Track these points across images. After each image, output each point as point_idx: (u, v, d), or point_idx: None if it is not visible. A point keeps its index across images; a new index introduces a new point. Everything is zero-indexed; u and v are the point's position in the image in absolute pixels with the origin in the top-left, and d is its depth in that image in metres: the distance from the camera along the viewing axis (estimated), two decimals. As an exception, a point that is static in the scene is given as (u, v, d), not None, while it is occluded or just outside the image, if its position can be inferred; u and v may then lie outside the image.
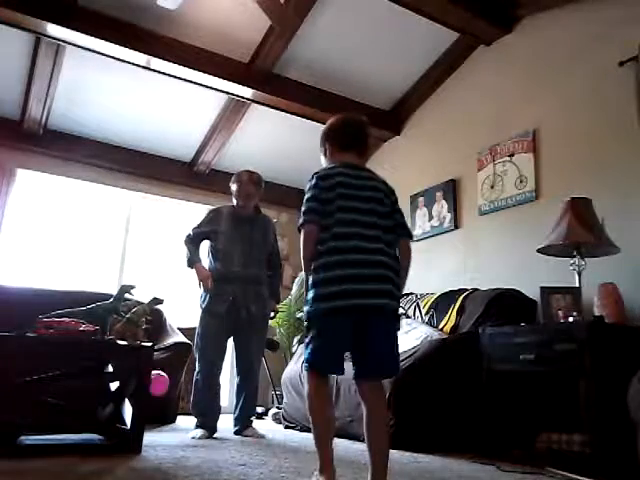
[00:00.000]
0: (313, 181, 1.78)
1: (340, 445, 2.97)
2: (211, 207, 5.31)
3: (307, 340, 1.74)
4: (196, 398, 3.30)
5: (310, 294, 1.71)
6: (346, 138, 1.89)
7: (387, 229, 1.77)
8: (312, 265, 1.72)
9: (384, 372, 1.76)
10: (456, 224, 4.26)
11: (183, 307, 4.91)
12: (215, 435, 3.22)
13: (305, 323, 1.76)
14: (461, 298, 3.60)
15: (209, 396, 3.29)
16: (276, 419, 4.23)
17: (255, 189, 3.47)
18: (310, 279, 1.72)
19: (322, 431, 1.72)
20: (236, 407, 3.40)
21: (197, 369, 3.30)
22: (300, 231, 1.75)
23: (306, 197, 1.78)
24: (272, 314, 3.64)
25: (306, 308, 1.73)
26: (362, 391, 1.75)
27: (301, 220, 1.75)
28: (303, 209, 1.76)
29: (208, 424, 3.22)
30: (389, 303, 1.70)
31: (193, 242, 3.41)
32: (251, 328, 3.32)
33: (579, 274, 2.89)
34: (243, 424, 3.34)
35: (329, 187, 1.75)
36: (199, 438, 3.09)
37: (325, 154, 1.94)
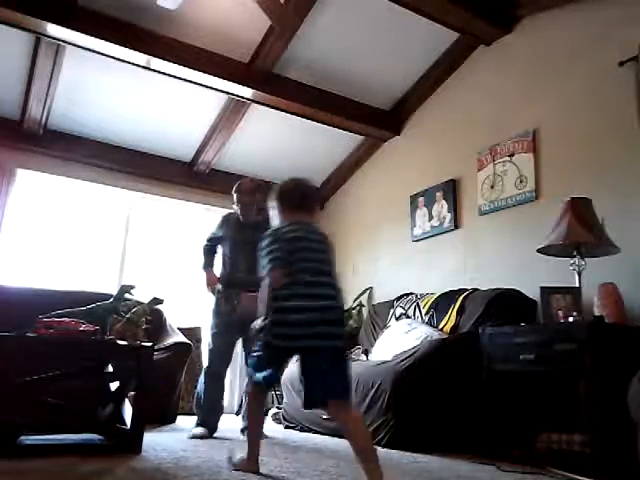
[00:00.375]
0: (272, 236, 2.06)
1: (341, 445, 2.97)
2: (210, 207, 5.42)
3: (256, 354, 2.08)
4: (200, 395, 3.33)
5: (269, 328, 1.97)
6: (297, 200, 2.19)
7: (334, 273, 2.10)
8: (272, 306, 1.97)
9: (335, 397, 1.96)
10: (456, 224, 4.26)
11: (183, 307, 4.92)
12: (215, 435, 3.22)
13: (260, 343, 2.04)
14: (461, 298, 3.60)
15: (214, 394, 3.33)
16: (276, 419, 4.23)
17: (252, 199, 3.50)
18: (270, 316, 1.97)
19: (256, 429, 2.21)
20: (241, 405, 3.44)
21: (205, 366, 3.40)
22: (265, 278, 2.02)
23: (268, 249, 2.04)
24: None
25: (263, 336, 1.99)
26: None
27: (269, 266, 2.00)
28: (269, 257, 2.02)
29: (210, 424, 3.24)
30: (340, 344, 1.98)
31: (209, 249, 3.60)
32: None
33: (579, 274, 2.89)
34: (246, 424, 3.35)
35: (287, 240, 2.03)
36: (200, 437, 3.10)
37: (278, 212, 2.22)
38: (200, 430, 3.18)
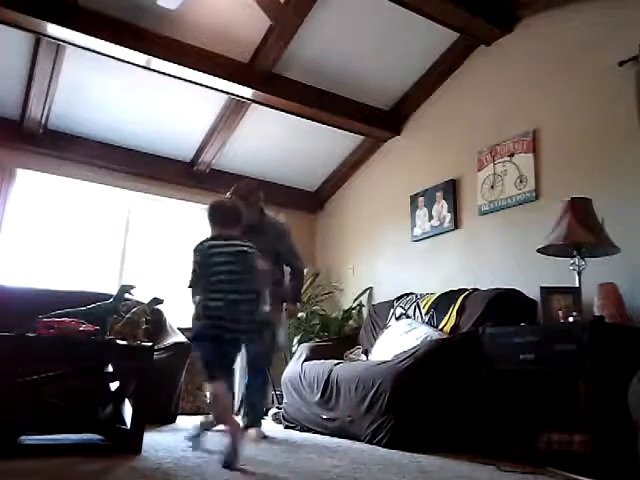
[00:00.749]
0: (195, 250, 2.49)
1: (343, 445, 2.98)
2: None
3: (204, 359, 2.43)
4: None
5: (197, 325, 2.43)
6: (218, 217, 2.68)
7: (250, 276, 2.53)
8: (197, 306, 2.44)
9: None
10: (456, 224, 4.26)
11: (183, 307, 4.91)
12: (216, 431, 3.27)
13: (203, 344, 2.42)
14: (461, 298, 3.60)
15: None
16: (276, 419, 4.23)
17: (246, 202, 3.47)
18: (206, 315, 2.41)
19: (226, 408, 2.38)
20: (241, 404, 3.51)
21: None
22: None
23: (192, 263, 2.47)
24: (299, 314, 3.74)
25: (207, 335, 2.39)
26: None
27: (188, 281, 2.48)
28: (191, 271, 2.47)
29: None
30: (243, 334, 2.47)
31: None
32: (266, 330, 3.42)
33: (579, 274, 2.89)
34: (247, 423, 3.38)
35: (205, 254, 2.46)
36: (207, 426, 3.21)
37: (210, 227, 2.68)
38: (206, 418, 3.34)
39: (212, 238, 2.59)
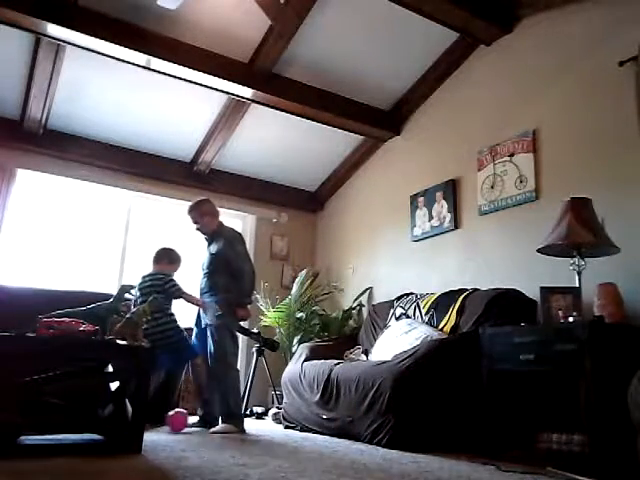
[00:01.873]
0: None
1: (342, 444, 2.98)
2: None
3: None
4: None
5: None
6: (154, 258, 3.83)
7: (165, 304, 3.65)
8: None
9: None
10: (456, 224, 4.26)
11: (183, 307, 4.91)
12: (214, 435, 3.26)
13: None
14: (461, 298, 3.60)
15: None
16: (276, 419, 4.23)
17: (191, 219, 3.79)
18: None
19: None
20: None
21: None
22: None
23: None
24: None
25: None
26: None
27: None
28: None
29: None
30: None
31: None
32: (209, 332, 3.61)
33: (579, 274, 2.89)
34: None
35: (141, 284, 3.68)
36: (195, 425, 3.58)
37: None
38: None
39: (147, 275, 3.73)
